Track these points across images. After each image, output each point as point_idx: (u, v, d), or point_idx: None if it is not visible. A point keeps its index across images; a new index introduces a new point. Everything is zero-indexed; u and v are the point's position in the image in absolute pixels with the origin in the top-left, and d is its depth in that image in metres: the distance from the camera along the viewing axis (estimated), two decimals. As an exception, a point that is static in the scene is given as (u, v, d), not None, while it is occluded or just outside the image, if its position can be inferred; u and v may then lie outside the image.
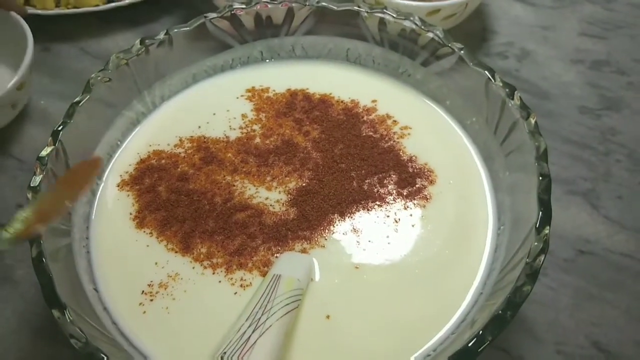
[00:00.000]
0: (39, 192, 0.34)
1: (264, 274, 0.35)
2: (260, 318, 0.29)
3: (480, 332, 0.28)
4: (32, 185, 0.34)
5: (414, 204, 0.38)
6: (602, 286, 0.41)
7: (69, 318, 0.29)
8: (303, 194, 0.38)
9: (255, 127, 0.42)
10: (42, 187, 0.34)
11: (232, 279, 0.35)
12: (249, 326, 0.29)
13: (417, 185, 0.39)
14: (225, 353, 0.28)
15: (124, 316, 0.34)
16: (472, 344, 0.28)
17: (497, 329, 0.29)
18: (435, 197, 0.38)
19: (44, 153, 0.35)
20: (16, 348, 0.39)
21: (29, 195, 0.33)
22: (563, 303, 0.40)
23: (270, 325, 0.29)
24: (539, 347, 0.38)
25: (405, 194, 0.38)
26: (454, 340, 0.31)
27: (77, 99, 0.38)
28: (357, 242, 0.36)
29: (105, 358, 0.28)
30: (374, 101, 0.43)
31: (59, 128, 0.37)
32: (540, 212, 0.32)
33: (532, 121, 0.35)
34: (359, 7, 0.43)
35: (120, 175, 0.40)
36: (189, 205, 0.38)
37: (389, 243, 0.36)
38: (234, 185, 0.39)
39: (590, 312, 0.40)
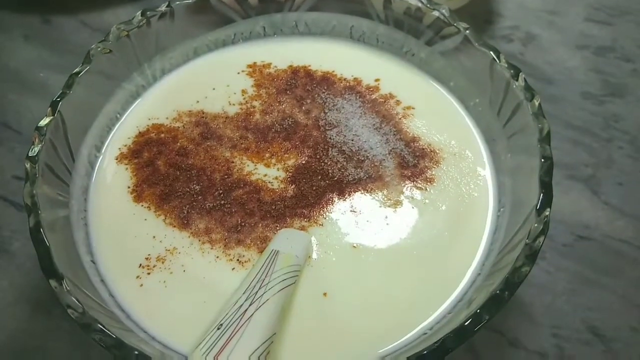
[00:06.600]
0: (37, 162, 0.33)
1: (261, 251, 0.34)
2: (257, 292, 0.29)
3: (477, 311, 0.28)
4: (30, 155, 0.33)
5: (415, 185, 0.38)
6: (599, 271, 0.41)
7: (66, 288, 0.29)
8: (302, 172, 0.38)
9: (255, 103, 0.42)
10: (40, 158, 0.33)
11: (229, 255, 0.35)
12: (246, 299, 0.29)
13: (418, 167, 0.38)
14: (222, 324, 0.28)
15: (121, 288, 0.33)
16: (469, 323, 0.28)
17: (494, 308, 0.28)
18: (436, 178, 0.38)
19: (42, 123, 0.35)
20: (13, 320, 0.39)
21: (27, 166, 0.33)
22: (560, 287, 0.40)
23: (267, 299, 0.29)
24: (535, 330, 0.38)
25: (406, 174, 0.38)
26: (451, 320, 0.31)
27: (77, 69, 0.38)
28: (356, 222, 0.36)
29: (101, 328, 0.28)
30: (377, 80, 0.43)
31: (58, 98, 0.36)
32: (542, 194, 0.32)
33: (536, 103, 0.35)
34: (364, -16, 0.42)
35: (119, 149, 0.40)
36: (187, 180, 0.37)
37: (387, 224, 0.36)
38: (232, 162, 0.39)
39: (587, 296, 0.40)
